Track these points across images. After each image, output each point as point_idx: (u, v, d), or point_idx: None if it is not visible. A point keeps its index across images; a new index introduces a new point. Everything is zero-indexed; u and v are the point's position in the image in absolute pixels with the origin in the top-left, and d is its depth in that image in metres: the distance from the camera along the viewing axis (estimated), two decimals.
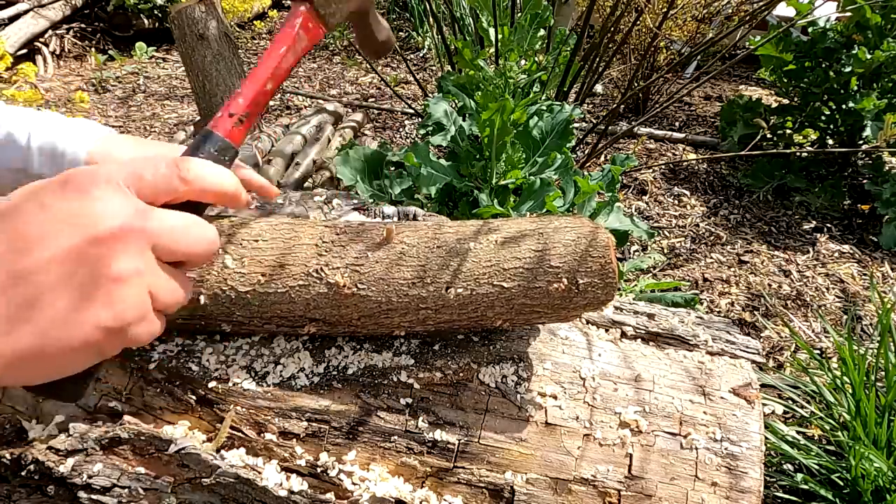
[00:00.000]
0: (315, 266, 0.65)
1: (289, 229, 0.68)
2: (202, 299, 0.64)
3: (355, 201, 1.05)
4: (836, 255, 2.05)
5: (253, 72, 0.48)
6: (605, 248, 0.67)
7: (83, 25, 3.87)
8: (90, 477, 0.61)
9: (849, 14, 2.11)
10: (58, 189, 0.37)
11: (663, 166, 2.57)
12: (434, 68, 3.64)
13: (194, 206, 0.43)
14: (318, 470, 0.65)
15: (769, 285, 1.90)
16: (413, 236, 0.68)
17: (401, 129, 2.97)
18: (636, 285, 1.55)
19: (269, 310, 0.65)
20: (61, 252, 0.36)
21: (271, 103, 3.18)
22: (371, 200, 1.33)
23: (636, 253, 2.08)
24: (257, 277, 0.64)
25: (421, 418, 0.68)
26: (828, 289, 1.89)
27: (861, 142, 2.28)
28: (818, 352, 1.63)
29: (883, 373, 1.16)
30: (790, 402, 1.29)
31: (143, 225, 0.38)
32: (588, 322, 0.83)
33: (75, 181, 0.38)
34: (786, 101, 2.49)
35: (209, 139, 0.45)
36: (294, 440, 0.67)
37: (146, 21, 3.87)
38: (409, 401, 0.69)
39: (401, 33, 4.15)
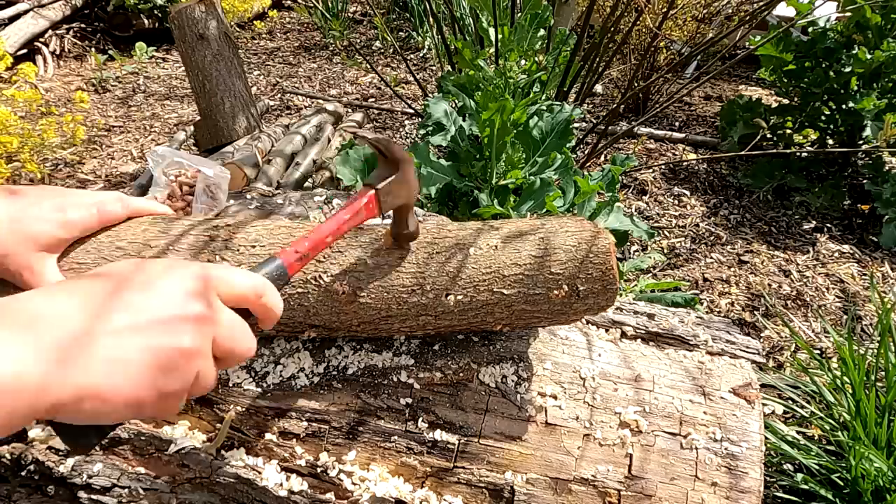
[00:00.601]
0: (313, 273, 0.65)
1: (286, 234, 0.68)
2: None
3: None
4: (836, 255, 2.05)
5: (321, 225, 0.59)
6: (607, 254, 0.66)
7: (83, 25, 3.87)
8: (90, 477, 0.61)
9: (849, 14, 2.11)
10: (163, 271, 0.45)
11: (663, 166, 2.57)
12: (434, 68, 3.63)
13: (246, 313, 0.51)
14: (318, 470, 0.65)
15: (769, 285, 1.90)
16: (412, 243, 0.68)
17: (401, 129, 2.97)
18: (636, 285, 1.55)
19: None
20: (152, 319, 0.42)
21: (271, 103, 3.18)
22: None
23: (636, 253, 2.08)
24: None
25: (421, 418, 0.68)
26: (828, 289, 1.89)
27: (861, 142, 2.28)
28: (818, 352, 1.63)
29: (883, 373, 1.16)
30: (790, 402, 1.29)
31: (219, 318, 0.46)
32: (588, 322, 0.83)
33: (178, 267, 0.45)
34: (786, 101, 2.49)
35: (274, 264, 0.54)
36: (294, 440, 0.67)
37: (146, 21, 3.87)
38: (409, 401, 0.69)
39: (401, 33, 4.15)
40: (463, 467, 0.67)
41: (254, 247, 0.66)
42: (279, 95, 3.34)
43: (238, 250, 0.66)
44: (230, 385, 0.68)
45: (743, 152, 1.51)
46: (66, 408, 0.39)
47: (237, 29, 4.26)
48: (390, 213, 0.65)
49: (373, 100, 3.31)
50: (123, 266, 0.45)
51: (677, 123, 3.05)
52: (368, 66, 3.63)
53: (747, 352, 0.81)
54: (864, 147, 2.24)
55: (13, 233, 0.58)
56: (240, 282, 0.49)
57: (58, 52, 3.64)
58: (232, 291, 0.48)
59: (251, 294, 0.49)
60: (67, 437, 0.43)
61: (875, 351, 1.27)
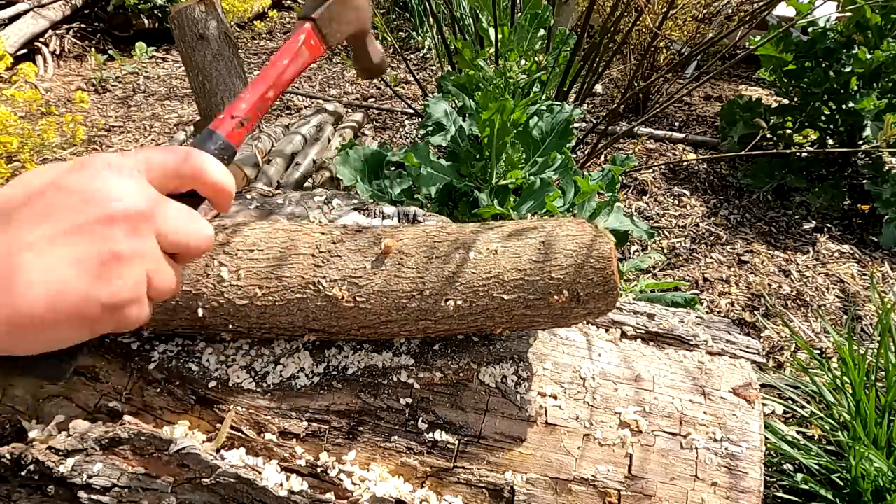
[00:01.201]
0: (312, 278, 0.64)
1: (285, 238, 0.67)
2: (200, 312, 0.64)
3: (355, 201, 1.05)
4: (836, 255, 2.05)
5: (256, 79, 0.51)
6: (607, 259, 0.66)
7: (83, 25, 3.87)
8: (90, 477, 0.61)
9: (849, 14, 2.11)
10: (74, 170, 0.39)
11: (663, 166, 2.56)
12: (434, 68, 3.63)
13: (191, 201, 0.45)
14: (318, 470, 0.65)
15: (769, 285, 1.90)
16: (411, 245, 0.67)
17: (401, 129, 2.97)
18: (636, 285, 1.55)
19: (268, 321, 0.65)
20: (73, 225, 0.37)
21: None
22: (371, 200, 1.33)
23: (636, 253, 2.08)
24: (254, 290, 0.64)
25: (421, 418, 0.68)
26: (828, 289, 1.89)
27: (861, 142, 2.28)
28: (818, 352, 1.63)
29: (883, 373, 1.16)
30: (790, 402, 1.29)
31: (152, 210, 0.40)
32: (588, 322, 0.83)
33: (92, 164, 0.39)
34: (786, 101, 2.49)
35: (211, 138, 0.48)
36: (294, 440, 0.67)
37: (146, 21, 3.87)
38: (409, 401, 0.69)
39: (401, 33, 4.15)
40: (463, 467, 0.67)
41: (252, 251, 0.66)
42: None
43: (236, 255, 0.65)
44: (230, 385, 0.68)
45: (743, 152, 1.51)
46: (8, 341, 0.36)
47: (237, 29, 4.26)
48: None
49: (373, 100, 3.31)
50: (30, 175, 0.40)
51: (677, 123, 3.05)
52: None
53: (747, 352, 0.81)
54: (864, 147, 2.24)
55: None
56: (170, 159, 0.43)
57: (58, 52, 3.64)
58: (163, 173, 0.42)
59: (191, 171, 0.43)
60: (28, 370, 0.41)
61: (875, 351, 1.27)
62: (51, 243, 0.37)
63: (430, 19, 2.85)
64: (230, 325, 0.65)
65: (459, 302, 0.65)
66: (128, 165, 0.40)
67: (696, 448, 0.69)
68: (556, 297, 0.65)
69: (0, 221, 0.37)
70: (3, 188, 0.39)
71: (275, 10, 4.62)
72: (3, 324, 0.35)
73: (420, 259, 0.66)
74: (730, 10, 3.07)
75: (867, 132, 2.17)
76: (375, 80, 3.51)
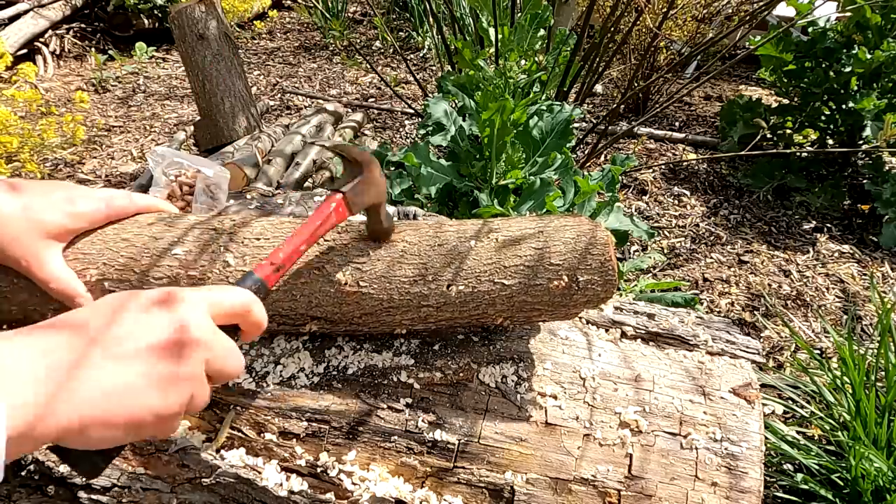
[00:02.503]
0: (317, 264, 0.65)
1: (290, 228, 0.68)
2: None
3: None
4: (836, 255, 2.05)
5: (293, 234, 0.60)
6: (605, 245, 0.67)
7: (83, 25, 3.87)
8: None
9: (849, 14, 2.11)
10: (159, 300, 0.47)
11: (663, 166, 2.56)
12: (434, 68, 3.63)
13: (233, 328, 0.52)
14: (318, 470, 0.65)
15: (769, 285, 1.90)
16: (414, 235, 0.68)
17: (401, 129, 2.97)
18: (636, 285, 1.55)
19: (271, 307, 0.65)
20: (151, 344, 0.44)
21: (271, 103, 3.18)
22: None
23: (636, 253, 2.08)
24: None
25: (421, 418, 0.68)
26: (828, 289, 1.89)
27: (861, 142, 2.28)
28: (818, 352, 1.63)
29: (883, 373, 1.16)
30: (790, 402, 1.29)
31: (209, 342, 0.47)
32: (588, 322, 0.83)
33: (175, 296, 0.47)
34: (786, 101, 2.49)
35: (252, 279, 0.56)
36: (294, 440, 0.67)
37: (146, 21, 3.87)
38: (409, 401, 0.69)
39: (401, 33, 4.15)
40: (463, 467, 0.67)
41: (258, 239, 0.67)
42: (279, 95, 3.34)
43: (243, 242, 0.66)
44: (230, 385, 0.68)
45: (743, 152, 1.51)
46: (71, 435, 0.41)
47: (237, 29, 4.26)
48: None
49: (373, 100, 3.31)
50: (117, 298, 0.47)
51: (677, 123, 3.05)
52: (368, 66, 3.63)
53: (747, 352, 0.81)
54: (864, 147, 2.24)
55: (21, 220, 0.58)
56: (231, 300, 0.51)
57: (58, 52, 3.64)
58: (223, 311, 0.50)
59: (241, 311, 0.51)
60: (74, 464, 0.45)
61: (875, 351, 1.27)
62: (130, 357, 0.43)
63: (430, 19, 2.85)
64: None
65: (461, 287, 0.66)
66: (203, 305, 0.48)
67: (696, 448, 0.69)
68: (555, 283, 0.66)
69: (85, 333, 0.43)
70: (90, 306, 0.47)
71: (275, 10, 4.62)
72: (76, 418, 0.40)
73: (423, 247, 0.67)
74: (730, 10, 3.07)
75: (867, 132, 2.17)
76: (375, 80, 3.51)
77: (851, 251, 2.06)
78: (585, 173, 1.49)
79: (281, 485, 0.64)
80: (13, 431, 0.37)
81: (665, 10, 1.86)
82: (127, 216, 0.68)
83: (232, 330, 0.52)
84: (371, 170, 0.64)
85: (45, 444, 0.40)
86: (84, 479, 0.62)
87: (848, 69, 2.12)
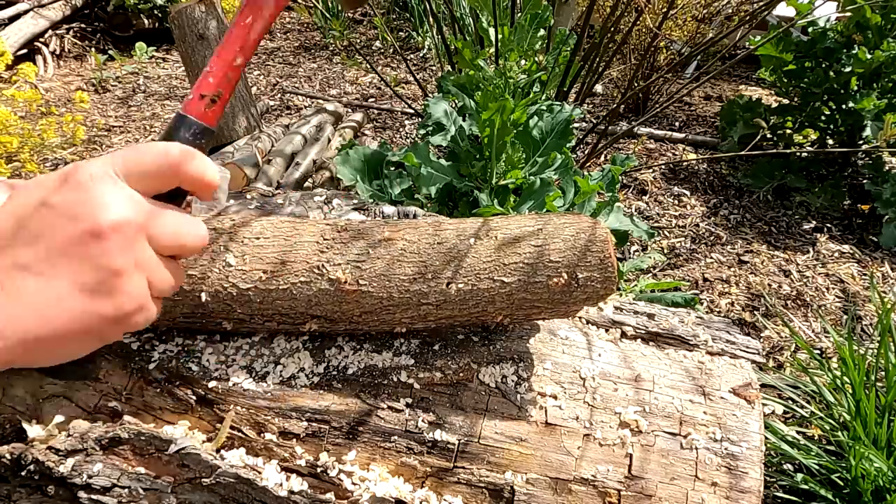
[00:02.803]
0: (317, 262, 0.65)
1: (290, 227, 0.68)
2: (204, 297, 0.64)
3: (355, 201, 1.05)
4: (836, 255, 2.05)
5: (219, 47, 0.46)
6: (604, 242, 0.67)
7: (83, 25, 3.87)
8: (90, 477, 0.61)
9: (849, 14, 2.11)
10: (58, 186, 0.39)
11: (663, 166, 2.56)
12: (434, 68, 3.63)
13: (175, 196, 0.44)
14: (318, 470, 0.65)
15: (769, 285, 1.90)
16: (413, 233, 0.69)
17: (401, 129, 2.97)
18: (636, 285, 1.55)
19: (271, 307, 0.65)
20: (66, 244, 0.38)
21: (271, 103, 3.18)
22: (371, 200, 1.32)
23: (636, 253, 2.08)
24: (259, 274, 0.65)
25: (421, 418, 0.68)
26: (828, 289, 1.89)
27: (861, 142, 2.28)
28: (818, 352, 1.63)
29: (883, 373, 1.16)
30: (790, 402, 1.29)
31: (140, 219, 0.40)
32: (588, 322, 0.83)
33: (74, 177, 0.39)
34: (786, 101, 2.49)
35: (183, 123, 0.45)
36: (294, 440, 0.67)
37: (146, 21, 3.87)
38: (409, 401, 0.69)
39: (401, 33, 4.15)
40: (463, 467, 0.67)
41: (258, 238, 0.67)
42: (279, 95, 3.34)
43: (243, 242, 0.66)
44: (230, 385, 0.68)
45: (743, 152, 1.51)
46: (21, 360, 0.37)
47: None
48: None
49: (373, 100, 3.31)
50: (17, 196, 0.40)
51: (677, 123, 3.05)
52: (368, 66, 3.62)
53: (747, 352, 0.81)
54: (864, 147, 2.24)
55: None
56: (150, 160, 0.41)
57: (58, 52, 3.64)
58: (146, 176, 0.41)
59: (167, 171, 0.42)
60: (53, 375, 0.42)
61: (875, 351, 1.27)
62: (47, 264, 0.37)
63: (430, 19, 2.85)
64: (233, 312, 0.65)
65: (461, 285, 0.66)
66: (109, 175, 0.40)
67: (696, 448, 0.69)
68: (555, 280, 0.66)
69: None
70: None
71: None
72: (19, 347, 0.37)
73: (422, 245, 0.67)
74: (730, 10, 3.07)
75: (867, 132, 2.17)
76: (375, 80, 3.51)
77: (851, 251, 2.06)
78: (585, 173, 1.49)
79: (281, 485, 0.64)
80: None
81: (665, 10, 1.86)
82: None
83: (172, 197, 0.43)
84: None
85: None
86: (69, 461, 0.59)
87: (848, 69, 2.12)
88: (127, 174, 0.41)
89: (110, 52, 3.78)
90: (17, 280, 0.37)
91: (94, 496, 0.61)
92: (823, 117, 2.34)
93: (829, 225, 2.20)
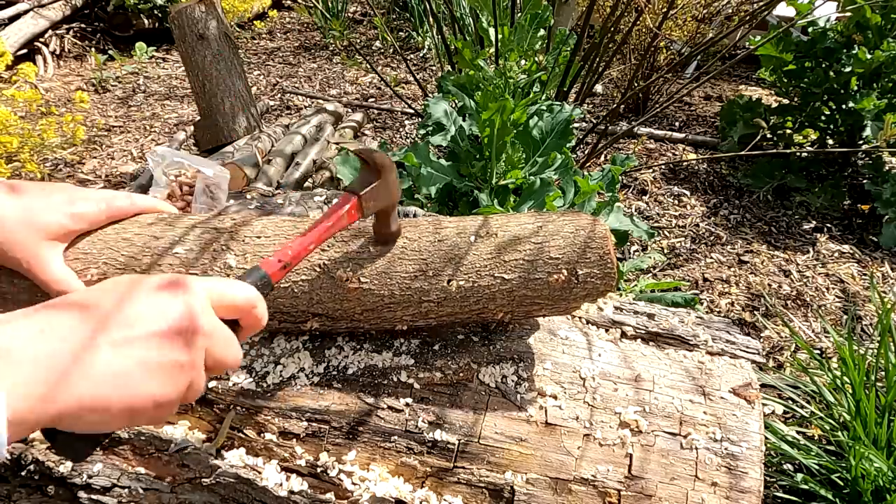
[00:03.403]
0: (318, 260, 0.65)
1: (291, 226, 0.68)
2: None
3: None
4: (836, 255, 2.05)
5: (304, 233, 0.59)
6: (603, 239, 0.68)
7: (83, 25, 3.87)
8: (90, 477, 0.61)
9: (849, 14, 2.11)
10: (165, 286, 0.46)
11: (663, 166, 2.56)
12: (434, 68, 3.63)
13: (234, 323, 0.52)
14: (318, 470, 0.65)
15: (769, 285, 1.90)
16: (414, 231, 0.69)
17: (401, 129, 2.97)
18: (636, 285, 1.55)
19: (272, 305, 0.65)
20: (154, 332, 0.43)
21: (271, 103, 3.18)
22: None
23: (636, 253, 2.08)
24: None
25: (421, 418, 0.68)
26: (828, 289, 1.89)
27: (861, 142, 2.28)
28: (818, 352, 1.63)
29: (883, 373, 1.16)
30: (790, 402, 1.29)
31: (212, 332, 0.47)
32: (588, 322, 0.83)
33: (182, 284, 0.47)
34: (786, 101, 2.49)
35: (258, 273, 0.55)
36: (294, 440, 0.67)
37: (146, 21, 3.87)
38: (409, 401, 0.69)
39: (401, 33, 4.15)
40: (463, 467, 0.67)
41: (259, 238, 0.67)
42: (279, 95, 3.34)
43: (244, 241, 0.66)
44: (230, 385, 0.68)
45: (743, 152, 1.51)
46: (68, 419, 0.40)
47: (237, 29, 4.26)
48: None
49: (373, 100, 3.31)
50: (123, 281, 0.46)
51: (677, 123, 3.05)
52: (368, 66, 3.63)
53: (747, 352, 0.81)
54: (864, 147, 2.24)
55: (22, 221, 0.59)
56: (236, 294, 0.50)
57: (58, 52, 3.64)
58: (227, 303, 0.49)
59: (245, 306, 0.51)
60: (60, 447, 0.45)
61: (875, 351, 1.27)
62: (129, 344, 0.42)
63: (430, 19, 2.85)
64: None
65: (462, 282, 0.66)
66: (207, 296, 0.48)
67: (696, 448, 0.69)
68: (555, 277, 0.66)
69: (91, 315, 0.42)
70: (96, 288, 0.46)
71: (275, 10, 4.62)
72: (75, 403, 0.39)
73: (423, 243, 0.67)
74: (730, 10, 3.07)
75: (867, 132, 2.17)
76: (375, 80, 3.51)
77: (851, 251, 2.06)
78: (585, 173, 1.49)
79: (281, 485, 0.64)
80: (13, 415, 0.36)
81: (665, 10, 1.86)
82: (127, 217, 0.68)
83: (231, 324, 0.52)
84: (388, 175, 0.64)
85: (43, 426, 0.40)
86: (68, 460, 0.61)
87: (848, 69, 2.12)
88: (218, 301, 0.49)
89: (110, 52, 3.78)
90: (99, 350, 0.41)
91: (94, 496, 0.61)
92: (823, 117, 2.34)
93: (829, 225, 2.20)
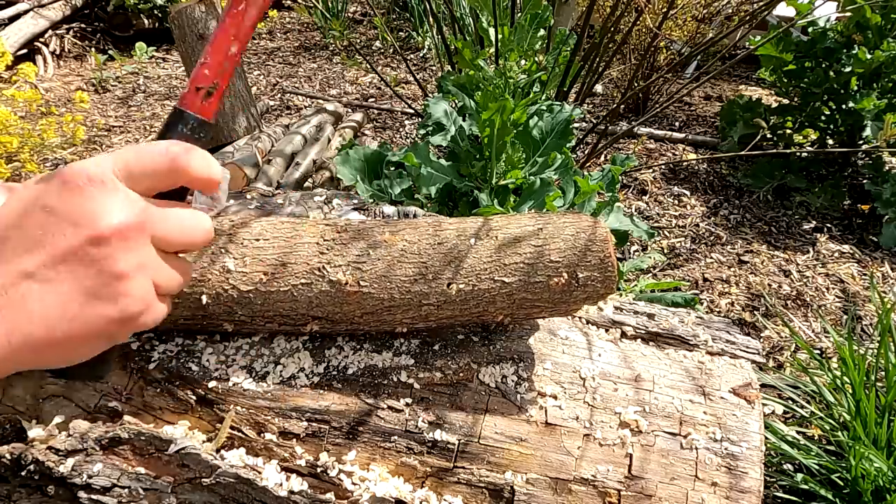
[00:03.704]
0: (317, 264, 0.65)
1: (290, 228, 0.68)
2: (204, 299, 0.64)
3: (355, 201, 1.05)
4: (836, 255, 2.05)
5: (213, 36, 0.45)
6: (604, 241, 0.68)
7: (83, 25, 3.87)
8: (90, 477, 0.61)
9: (849, 14, 2.11)
10: (57, 189, 0.39)
11: (663, 166, 2.56)
12: (434, 68, 3.63)
13: (178, 193, 0.43)
14: (318, 470, 0.65)
15: (769, 285, 1.90)
16: (413, 234, 0.69)
17: (401, 129, 2.97)
18: (636, 285, 1.55)
19: (272, 308, 0.65)
20: (67, 251, 0.38)
21: (271, 103, 3.18)
22: (371, 200, 1.32)
23: (636, 253, 2.08)
24: (259, 276, 0.65)
25: (421, 418, 0.68)
26: (828, 289, 1.89)
27: (861, 142, 2.28)
28: (818, 352, 1.63)
29: (883, 373, 1.16)
30: (790, 402, 1.29)
31: (141, 220, 0.40)
32: (588, 322, 0.83)
33: (72, 181, 0.39)
34: (786, 101, 2.49)
35: (181, 118, 0.44)
36: (294, 440, 0.67)
37: (146, 21, 3.87)
38: (409, 401, 0.69)
39: (401, 33, 4.15)
40: (463, 467, 0.67)
41: (258, 240, 0.67)
42: (279, 95, 3.34)
43: (242, 243, 0.66)
44: (230, 385, 0.68)
45: (743, 152, 1.51)
46: (30, 364, 0.38)
47: None
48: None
49: (373, 100, 3.31)
50: (15, 199, 0.39)
51: (677, 123, 3.04)
52: (368, 66, 3.62)
53: (747, 352, 0.81)
54: (864, 147, 2.24)
55: None
56: (149, 163, 0.41)
57: (58, 52, 3.64)
58: (146, 178, 0.41)
59: (167, 171, 0.41)
60: (67, 376, 0.42)
61: (875, 351, 1.27)
62: (52, 271, 0.37)
63: (430, 19, 2.85)
64: (234, 314, 0.65)
65: (462, 285, 0.66)
66: (109, 177, 0.39)
67: (696, 448, 0.69)
68: (555, 280, 0.66)
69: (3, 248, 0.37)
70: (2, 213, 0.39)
71: (275, 10, 4.62)
72: (25, 351, 0.37)
73: (423, 245, 0.67)
74: (730, 10, 3.07)
75: (867, 132, 2.17)
76: (375, 80, 3.51)
77: (851, 251, 2.06)
78: (585, 173, 1.49)
79: (281, 485, 0.64)
80: None
81: (665, 10, 1.86)
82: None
83: (178, 195, 0.43)
84: None
85: (5, 375, 0.37)
86: (69, 462, 0.59)
87: (848, 69, 2.12)
88: (127, 175, 0.40)
89: (110, 52, 3.78)
90: (22, 287, 0.37)
91: (94, 496, 0.61)
92: (823, 117, 2.34)
93: (829, 225, 2.20)
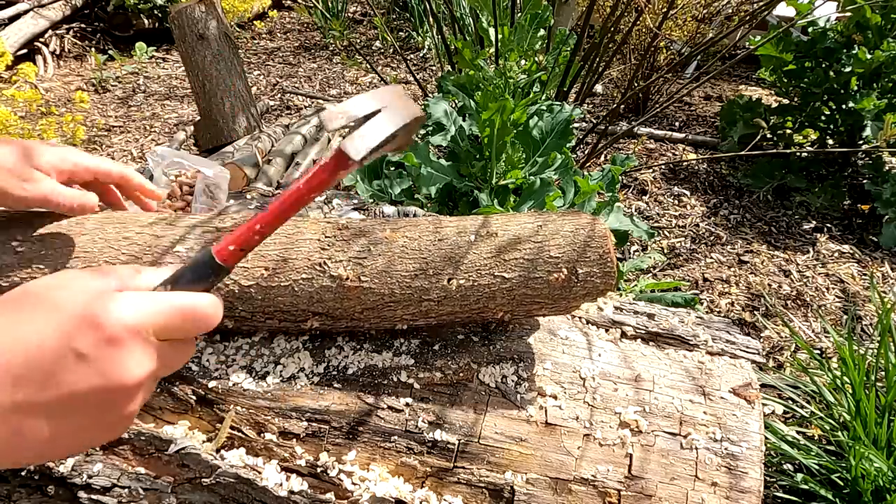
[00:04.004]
0: (318, 259, 0.65)
1: (292, 225, 0.68)
2: None
3: (355, 201, 1.05)
4: (836, 255, 2.04)
5: (275, 209, 0.45)
6: (603, 238, 0.68)
7: (83, 25, 3.87)
8: (90, 477, 0.61)
9: (849, 14, 2.11)
10: (92, 336, 0.38)
11: (663, 166, 2.56)
12: (434, 68, 3.63)
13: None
14: (318, 470, 0.65)
15: (769, 285, 1.90)
16: (414, 230, 0.69)
17: None
18: (636, 285, 1.55)
19: (273, 303, 0.65)
20: (87, 394, 0.38)
21: (271, 103, 3.18)
22: (371, 200, 1.32)
23: (636, 253, 2.08)
24: (261, 271, 0.65)
25: (421, 418, 0.68)
26: (828, 289, 1.89)
27: (861, 142, 2.28)
28: (818, 352, 1.63)
29: (883, 373, 1.16)
30: (790, 402, 1.29)
31: (158, 369, 0.41)
32: (588, 322, 0.83)
33: (108, 329, 0.38)
34: (786, 101, 2.49)
35: (219, 272, 0.45)
36: (294, 440, 0.67)
37: (146, 21, 3.87)
38: (409, 401, 0.69)
39: (401, 33, 4.15)
40: (463, 467, 0.67)
41: None
42: (279, 95, 3.34)
43: None
44: (230, 385, 0.68)
45: (743, 152, 1.51)
46: (10, 464, 0.40)
47: (237, 29, 4.26)
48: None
49: None
50: (53, 342, 0.38)
51: (677, 123, 3.04)
52: (368, 66, 3.62)
53: (747, 352, 0.81)
54: (864, 147, 2.24)
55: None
56: (175, 330, 0.42)
57: (58, 52, 3.64)
58: (171, 330, 0.42)
59: (177, 329, 0.42)
60: None
61: (875, 351, 1.27)
62: (67, 408, 0.38)
63: (430, 19, 2.85)
64: (234, 310, 0.65)
65: (462, 281, 0.66)
66: (143, 333, 0.40)
67: (696, 448, 0.69)
68: (555, 276, 0.66)
69: (8, 372, 0.37)
70: (8, 320, 0.38)
71: (275, 10, 4.62)
72: (7, 465, 0.39)
73: (423, 242, 0.67)
74: (730, 10, 3.07)
75: (867, 132, 2.17)
76: (375, 80, 3.51)
77: (851, 251, 2.06)
78: (585, 173, 1.49)
79: (281, 485, 0.64)
80: None
81: (665, 10, 1.86)
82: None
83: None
84: (395, 98, 0.45)
85: None
86: (69, 462, 0.62)
87: (848, 69, 2.12)
88: (159, 333, 0.41)
89: (110, 52, 3.78)
90: (24, 422, 0.37)
91: (94, 496, 0.61)
92: (823, 117, 2.33)
93: (829, 225, 2.20)
